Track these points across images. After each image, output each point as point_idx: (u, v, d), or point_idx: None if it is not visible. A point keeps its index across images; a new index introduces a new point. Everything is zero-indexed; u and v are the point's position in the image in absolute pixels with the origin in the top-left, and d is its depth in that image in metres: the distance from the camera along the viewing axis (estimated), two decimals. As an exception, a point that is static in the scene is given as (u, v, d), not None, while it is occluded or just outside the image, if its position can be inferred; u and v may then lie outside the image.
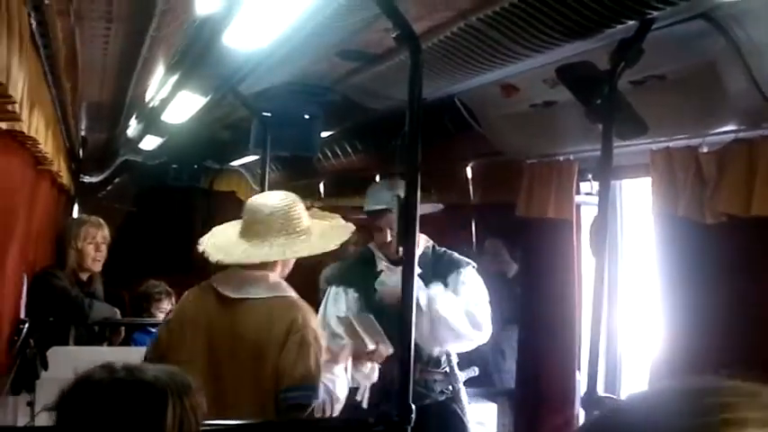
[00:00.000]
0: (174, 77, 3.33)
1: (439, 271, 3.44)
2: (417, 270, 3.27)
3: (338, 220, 2.85)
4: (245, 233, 2.65)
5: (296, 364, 2.45)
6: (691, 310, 2.72)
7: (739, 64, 2.30)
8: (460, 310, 3.33)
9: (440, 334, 3.28)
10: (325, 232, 2.71)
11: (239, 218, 2.77)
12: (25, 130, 2.26)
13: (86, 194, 9.43)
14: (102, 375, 1.43)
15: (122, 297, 4.77)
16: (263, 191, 3.97)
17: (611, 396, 2.32)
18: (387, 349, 2.92)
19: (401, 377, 1.83)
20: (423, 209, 3.38)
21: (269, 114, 4.10)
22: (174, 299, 4.32)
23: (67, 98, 3.32)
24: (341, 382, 2.72)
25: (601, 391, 2.29)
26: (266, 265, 2.63)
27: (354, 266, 3.68)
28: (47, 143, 2.85)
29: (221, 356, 2.62)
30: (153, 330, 4.09)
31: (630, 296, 3.46)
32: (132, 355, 3.67)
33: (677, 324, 2.80)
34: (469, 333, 3.36)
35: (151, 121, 5.25)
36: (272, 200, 2.68)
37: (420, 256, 3.28)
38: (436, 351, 3.38)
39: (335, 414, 2.62)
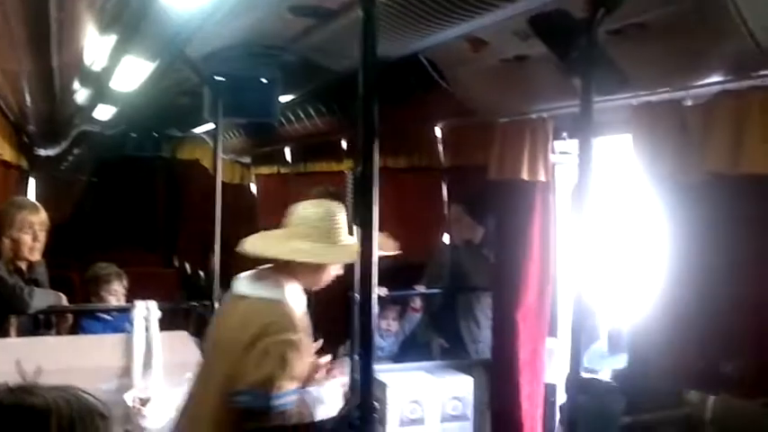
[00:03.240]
0: (112, 41, 3.05)
1: None
2: None
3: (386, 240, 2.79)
4: (292, 234, 2.55)
5: (252, 369, 2.32)
6: (677, 277, 2.55)
7: (728, 6, 2.08)
8: None
9: None
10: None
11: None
12: None
13: (44, 168, 9.11)
14: None
15: (72, 280, 4.51)
16: (215, 160, 3.74)
17: (596, 377, 2.14)
18: None
19: (363, 373, 1.62)
20: None
21: (222, 79, 3.82)
22: (125, 280, 4.06)
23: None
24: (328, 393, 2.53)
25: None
26: (291, 271, 2.52)
27: None
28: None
29: (204, 357, 2.58)
30: (103, 316, 3.86)
31: (610, 265, 3.28)
32: (80, 343, 3.45)
33: (662, 292, 2.63)
34: None
35: (100, 89, 4.95)
36: (320, 208, 2.59)
37: None
38: None
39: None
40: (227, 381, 2.37)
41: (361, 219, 1.64)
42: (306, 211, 2.57)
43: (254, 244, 2.55)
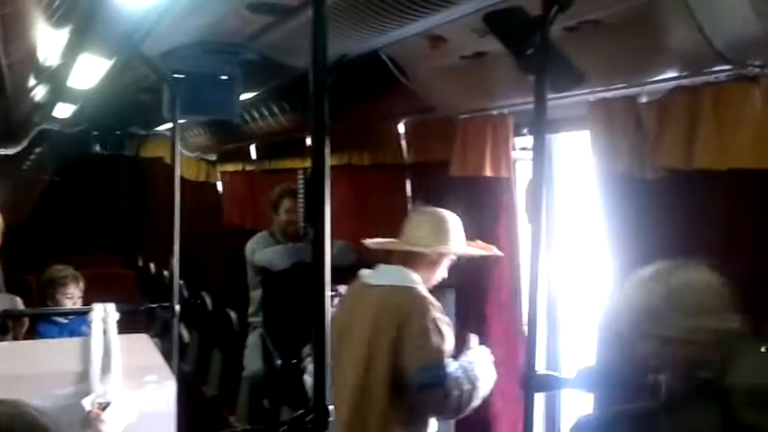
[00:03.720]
0: (65, 39, 2.99)
1: None
2: None
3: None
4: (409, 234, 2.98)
5: (420, 347, 2.65)
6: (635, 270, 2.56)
7: (680, 4, 2.10)
8: None
9: None
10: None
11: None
12: None
13: (5, 168, 8.97)
14: None
15: (28, 283, 4.43)
16: (173, 158, 3.69)
17: (552, 373, 2.15)
18: None
19: (316, 374, 1.60)
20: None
21: (182, 76, 3.77)
22: (82, 283, 3.98)
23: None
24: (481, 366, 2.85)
25: (541, 366, 2.10)
26: (410, 266, 2.89)
27: None
28: None
29: (341, 343, 2.75)
30: (59, 320, 3.79)
31: (569, 260, 3.30)
32: (37, 348, 3.38)
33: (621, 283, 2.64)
34: None
35: (57, 87, 4.87)
36: (433, 215, 3.02)
37: None
38: None
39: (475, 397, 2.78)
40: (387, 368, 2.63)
41: (312, 218, 1.62)
42: (421, 216, 3.04)
43: (376, 242, 3.02)
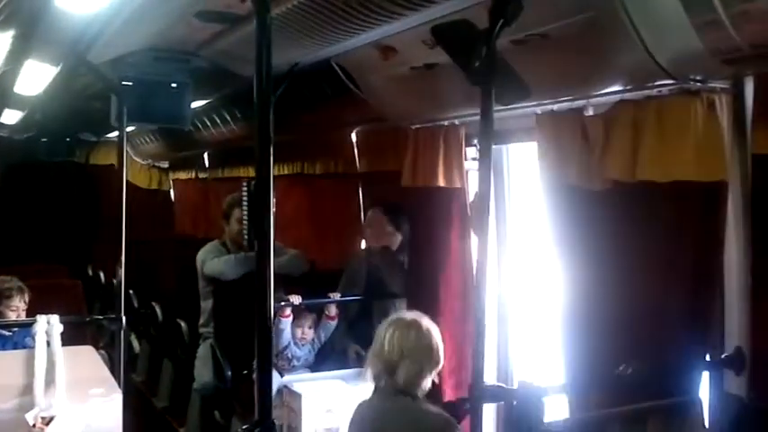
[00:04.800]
0: (8, 43, 2.93)
1: None
2: None
3: None
4: None
5: None
6: (578, 283, 2.60)
7: (623, 19, 2.13)
8: None
9: None
10: None
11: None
12: None
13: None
14: None
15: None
16: (120, 167, 3.63)
17: (501, 385, 2.16)
18: None
19: (260, 389, 1.59)
20: None
21: (130, 83, 3.72)
22: (27, 295, 3.88)
23: None
24: None
25: (492, 378, 2.12)
26: None
27: None
28: None
29: None
30: (2, 333, 3.70)
31: (521, 270, 3.33)
32: (-25, 361, 3.28)
33: (571, 297, 2.68)
34: None
35: (4, 93, 4.78)
36: None
37: None
38: None
39: None
40: None
41: (256, 228, 1.61)
42: None
43: None
